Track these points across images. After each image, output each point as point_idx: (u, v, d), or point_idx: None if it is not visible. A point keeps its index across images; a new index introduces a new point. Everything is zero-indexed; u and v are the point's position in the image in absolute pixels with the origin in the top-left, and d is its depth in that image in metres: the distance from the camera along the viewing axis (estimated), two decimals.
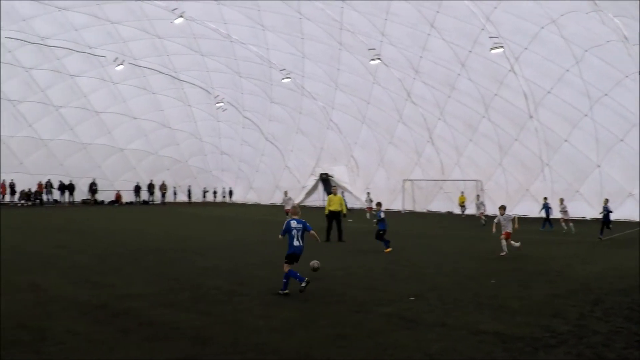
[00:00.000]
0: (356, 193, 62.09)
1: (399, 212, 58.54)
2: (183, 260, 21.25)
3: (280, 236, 15.68)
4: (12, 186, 62.01)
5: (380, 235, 25.14)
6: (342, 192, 49.24)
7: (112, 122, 67.53)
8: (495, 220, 23.72)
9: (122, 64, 61.21)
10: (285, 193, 45.56)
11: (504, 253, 22.57)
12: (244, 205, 70.25)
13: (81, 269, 18.38)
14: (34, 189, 64.17)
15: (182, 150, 74.62)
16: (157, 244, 26.96)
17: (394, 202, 60.44)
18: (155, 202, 72.28)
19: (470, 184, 54.33)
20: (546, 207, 38.43)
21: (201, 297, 14.41)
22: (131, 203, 70.19)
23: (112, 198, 69.08)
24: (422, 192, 59.22)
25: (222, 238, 28.70)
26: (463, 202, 53.47)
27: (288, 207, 42.39)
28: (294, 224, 15.33)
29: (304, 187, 68.85)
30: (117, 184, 69.95)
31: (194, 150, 75.77)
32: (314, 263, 15.50)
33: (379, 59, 50.93)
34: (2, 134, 60.60)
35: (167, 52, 61.99)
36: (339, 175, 64.63)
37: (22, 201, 62.75)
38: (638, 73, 39.46)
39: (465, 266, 20.12)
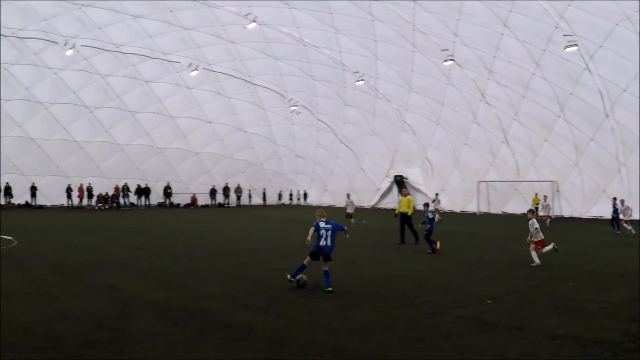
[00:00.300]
0: (431, 195, 61.70)
1: (474, 214, 58.06)
2: (259, 262, 21.45)
3: (309, 238, 16.37)
4: (89, 190, 63.18)
5: (427, 235, 25.38)
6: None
7: (187, 127, 68.40)
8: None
9: (196, 70, 61.93)
10: (348, 196, 45.22)
11: (534, 264, 20.58)
12: (318, 208, 70.17)
13: (157, 271, 18.69)
14: (110, 192, 65.41)
15: (257, 153, 75.05)
16: (232, 246, 27.24)
17: (468, 204, 60.00)
18: (230, 205, 72.84)
19: (546, 185, 53.55)
20: (615, 208, 37.73)
21: (277, 299, 14.54)
22: (207, 206, 70.86)
23: (188, 201, 69.89)
24: (497, 193, 58.52)
25: (296, 240, 28.82)
26: (537, 204, 52.75)
27: (350, 210, 42.54)
28: (322, 224, 16.25)
29: (378, 189, 68.74)
30: (192, 187, 70.72)
31: (268, 153, 76.15)
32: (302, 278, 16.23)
33: (452, 59, 50.57)
34: (80, 139, 62.14)
35: (240, 56, 62.48)
36: (414, 177, 64.33)
37: (99, 204, 63.90)
38: None
39: (542, 269, 19.86)
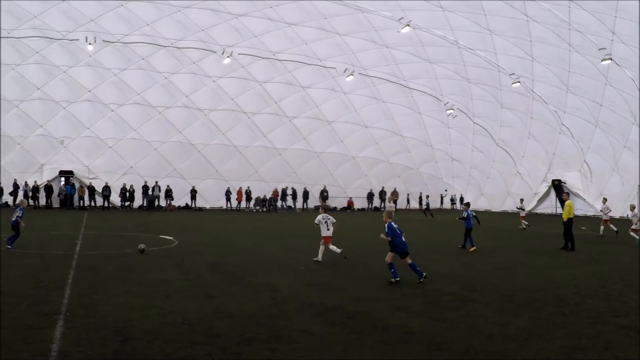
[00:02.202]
0: (589, 200, 59.78)
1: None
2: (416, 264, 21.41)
3: (386, 237, 17.39)
4: (247, 193, 64.63)
5: (466, 233, 26.88)
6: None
7: (343, 131, 68.95)
8: None
9: (351, 75, 62.33)
10: (390, 199, 43.25)
11: None
12: (484, 213, 69.15)
13: (313, 272, 18.93)
14: (268, 195, 66.65)
15: (413, 157, 74.76)
16: (386, 248, 27.26)
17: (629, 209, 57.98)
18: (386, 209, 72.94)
19: None
20: None
21: (434, 303, 14.47)
22: (363, 209, 71.21)
23: (344, 205, 70.44)
24: None
25: (453, 243, 28.58)
26: None
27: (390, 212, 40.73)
28: (396, 226, 17.51)
29: (535, 193, 67.22)
30: (349, 191, 71.25)
31: (425, 157, 75.67)
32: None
33: (610, 58, 48.92)
34: (238, 144, 63.83)
35: (395, 60, 62.49)
36: (572, 181, 62.47)
37: (257, 207, 65.32)
38: None
39: None
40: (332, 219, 22.36)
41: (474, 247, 26.52)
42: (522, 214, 43.19)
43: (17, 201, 37.85)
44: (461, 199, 77.06)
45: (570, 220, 27.79)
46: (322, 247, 22.21)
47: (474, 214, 27.99)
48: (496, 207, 71.34)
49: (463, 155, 75.15)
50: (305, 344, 10.48)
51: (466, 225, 27.20)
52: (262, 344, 10.40)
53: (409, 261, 17.00)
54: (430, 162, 76.46)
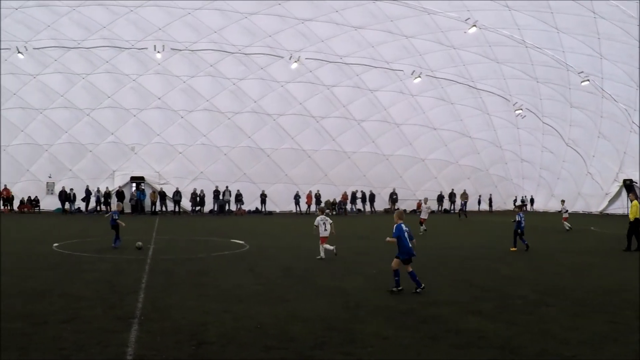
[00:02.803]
0: None
1: None
2: (486, 268, 21.30)
3: (392, 239, 16.50)
4: (317, 197, 64.81)
5: (516, 234, 27.38)
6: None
7: (412, 134, 68.61)
8: None
9: (419, 77, 62.05)
10: (425, 201, 42.64)
11: None
12: (544, 214, 68.44)
13: (385, 275, 18.91)
14: (338, 199, 66.74)
15: (483, 158, 74.04)
16: (457, 251, 27.18)
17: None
18: (456, 211, 72.54)
19: None
20: None
21: (507, 306, 14.41)
22: (433, 212, 70.81)
23: (414, 207, 70.15)
24: None
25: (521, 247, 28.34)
26: None
27: (424, 216, 39.75)
28: (404, 227, 16.33)
29: (606, 194, 66.13)
30: (418, 193, 70.90)
31: (494, 158, 74.87)
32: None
33: None
34: (307, 148, 64.28)
35: (462, 61, 62.06)
36: None
37: (327, 211, 65.12)
38: None
39: None
40: (329, 221, 23.92)
41: (515, 248, 26.80)
42: (565, 215, 42.52)
43: (114, 206, 40.93)
44: (531, 200, 76.19)
45: (637, 220, 27.37)
46: (322, 247, 23.67)
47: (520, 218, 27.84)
48: (568, 208, 70.24)
49: (532, 156, 74.21)
50: (379, 348, 10.54)
51: (515, 227, 27.55)
52: (336, 348, 10.48)
53: (410, 269, 16.19)
54: (500, 163, 75.65)
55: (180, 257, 23.66)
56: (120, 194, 58.22)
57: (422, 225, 38.21)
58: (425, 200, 42.53)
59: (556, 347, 10.60)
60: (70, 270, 19.90)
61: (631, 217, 27.75)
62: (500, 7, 50.44)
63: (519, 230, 27.33)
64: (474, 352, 10.31)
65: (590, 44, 53.14)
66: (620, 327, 12.26)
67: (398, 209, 40.06)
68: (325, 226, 23.68)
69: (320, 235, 23.69)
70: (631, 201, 28.69)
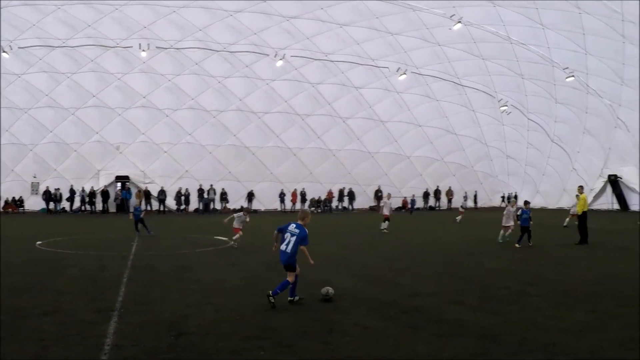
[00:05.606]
0: None
1: None
2: (471, 261, 21.36)
3: (275, 232, 14.31)
4: (302, 195, 64.83)
5: (524, 230, 26.86)
6: None
7: (397, 131, 68.65)
8: None
9: (404, 74, 62.17)
10: (388, 196, 41.74)
11: None
12: (531, 210, 68.35)
13: (370, 269, 18.98)
14: (323, 197, 66.83)
15: (468, 155, 74.17)
16: (443, 246, 27.25)
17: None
18: (441, 208, 72.72)
19: None
20: None
21: (489, 297, 14.53)
22: (417, 209, 70.94)
23: (399, 204, 70.24)
24: None
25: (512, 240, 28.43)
26: None
27: (386, 211, 37.46)
28: (292, 227, 13.94)
29: (591, 189, 66.28)
30: (403, 190, 71.00)
31: (479, 155, 75.03)
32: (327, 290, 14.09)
33: None
34: (292, 146, 64.46)
35: (448, 58, 62.11)
36: (628, 176, 61.56)
37: (312, 208, 65.14)
38: None
39: None
40: (247, 219, 27.59)
41: (518, 245, 26.33)
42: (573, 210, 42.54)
43: (133, 203, 45.80)
44: (515, 197, 76.29)
45: (584, 213, 28.21)
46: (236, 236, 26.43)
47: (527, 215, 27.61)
48: (551, 204, 70.53)
49: (518, 152, 74.31)
50: (359, 338, 10.58)
51: (522, 224, 27.20)
52: (316, 337, 10.55)
53: (291, 279, 13.69)
54: (485, 160, 75.78)
55: (163, 254, 23.66)
56: (105, 194, 58.14)
57: (384, 222, 36.61)
58: (389, 195, 41.86)
59: (537, 335, 10.66)
60: (53, 266, 19.86)
61: (579, 211, 28.63)
62: (486, 3, 50.69)
63: (525, 227, 26.99)
64: (453, 340, 10.34)
65: (575, 40, 53.26)
66: (601, 315, 12.37)
67: (388, 200, 39.66)
68: (240, 223, 26.73)
69: (234, 227, 26.62)
70: (578, 195, 29.50)
